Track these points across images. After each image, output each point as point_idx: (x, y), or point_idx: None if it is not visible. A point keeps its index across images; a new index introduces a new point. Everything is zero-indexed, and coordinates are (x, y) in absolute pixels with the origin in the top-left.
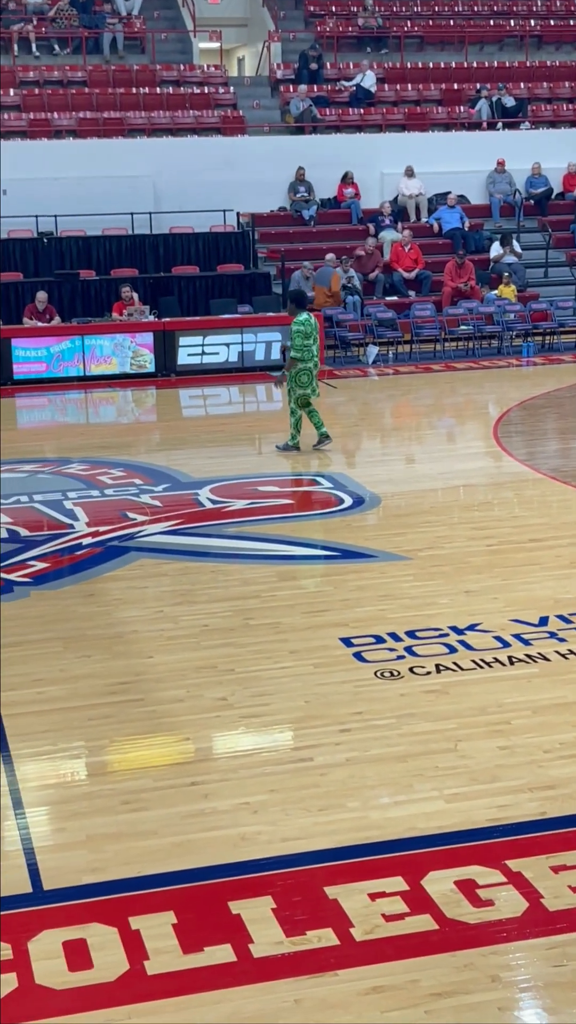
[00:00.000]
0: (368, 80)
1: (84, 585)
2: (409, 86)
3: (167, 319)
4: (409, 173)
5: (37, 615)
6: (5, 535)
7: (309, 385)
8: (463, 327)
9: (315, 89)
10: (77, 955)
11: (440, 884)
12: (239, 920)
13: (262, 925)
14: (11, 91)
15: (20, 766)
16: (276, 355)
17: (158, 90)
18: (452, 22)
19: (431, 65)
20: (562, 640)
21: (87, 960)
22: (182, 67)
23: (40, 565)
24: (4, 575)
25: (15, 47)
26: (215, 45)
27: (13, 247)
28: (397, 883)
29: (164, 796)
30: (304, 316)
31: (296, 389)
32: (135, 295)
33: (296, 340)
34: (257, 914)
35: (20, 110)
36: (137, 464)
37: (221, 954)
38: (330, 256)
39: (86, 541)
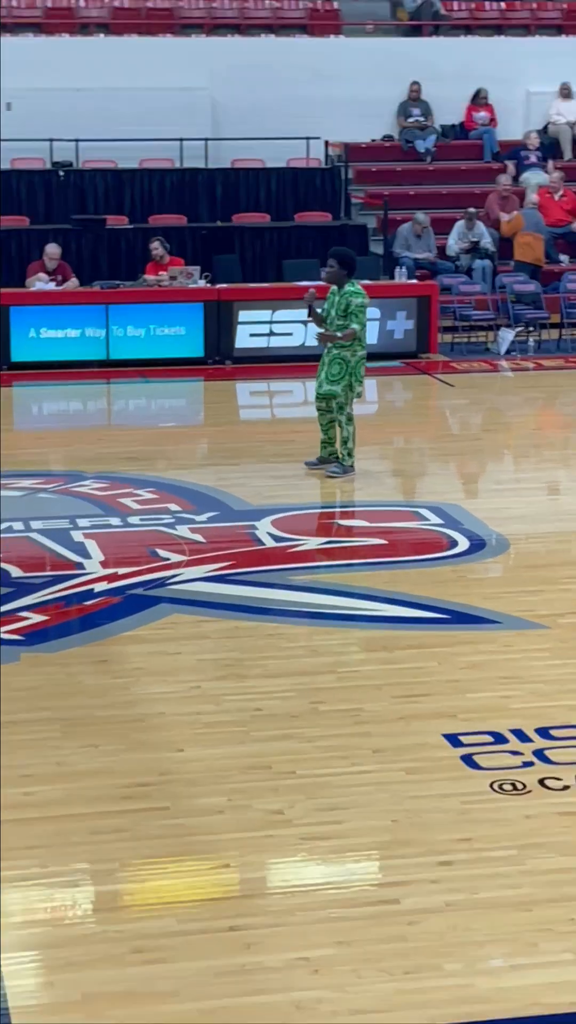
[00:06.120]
0: None
1: (94, 647)
2: None
3: (223, 285)
4: (565, 93)
5: (28, 687)
6: None
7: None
8: None
9: None
10: None
11: None
12: None
13: None
14: None
15: None
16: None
17: None
18: None
19: None
20: None
21: None
22: None
23: (36, 618)
24: None
25: None
26: None
27: (18, 181)
28: None
29: (192, 944)
30: (357, 287)
31: (355, 386)
32: (165, 251)
33: (360, 317)
34: None
35: None
36: (173, 483)
37: None
38: None
39: (100, 587)
